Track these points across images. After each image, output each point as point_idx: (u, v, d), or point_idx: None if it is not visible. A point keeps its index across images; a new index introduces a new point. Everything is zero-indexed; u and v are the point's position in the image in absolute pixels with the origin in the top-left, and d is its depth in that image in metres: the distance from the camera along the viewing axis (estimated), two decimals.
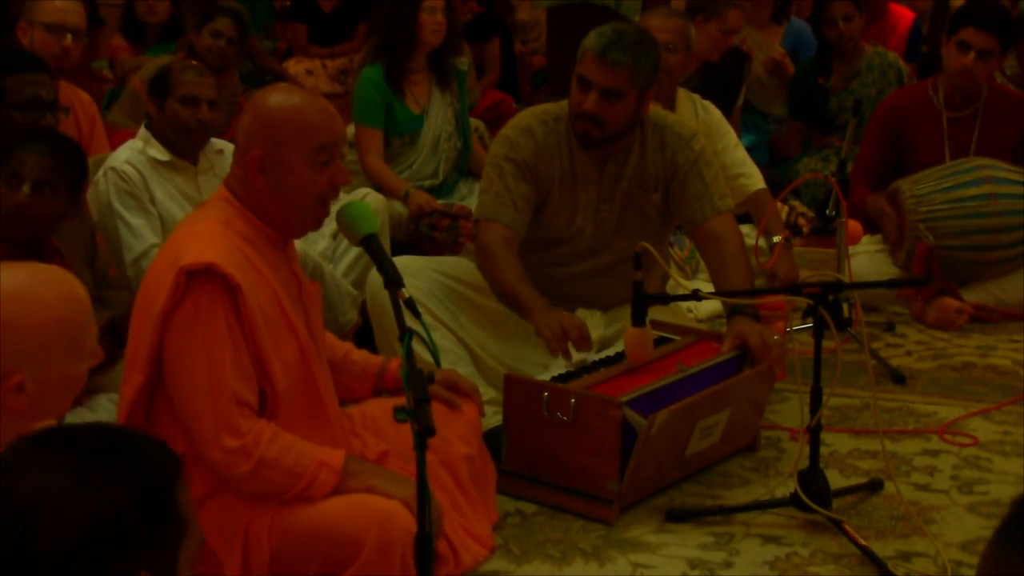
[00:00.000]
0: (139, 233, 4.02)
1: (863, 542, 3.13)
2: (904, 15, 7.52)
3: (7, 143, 3.35)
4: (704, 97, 4.99)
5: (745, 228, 4.04)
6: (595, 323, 3.88)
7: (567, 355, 3.53)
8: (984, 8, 4.97)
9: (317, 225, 2.96)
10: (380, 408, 3.18)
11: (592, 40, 3.69)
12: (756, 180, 4.74)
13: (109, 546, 1.43)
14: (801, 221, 5.90)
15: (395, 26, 5.15)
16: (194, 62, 4.44)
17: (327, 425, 2.94)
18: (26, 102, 3.58)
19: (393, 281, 2.71)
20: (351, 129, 5.41)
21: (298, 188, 2.83)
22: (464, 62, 5.46)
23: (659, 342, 3.64)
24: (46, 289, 2.12)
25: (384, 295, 3.47)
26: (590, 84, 3.68)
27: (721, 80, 5.89)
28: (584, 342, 3.55)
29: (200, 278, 2.72)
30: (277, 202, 2.84)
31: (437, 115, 5.23)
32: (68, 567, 1.42)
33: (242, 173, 2.85)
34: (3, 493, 1.45)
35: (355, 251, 4.36)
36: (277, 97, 2.85)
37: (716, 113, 4.86)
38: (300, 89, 3.00)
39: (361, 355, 3.30)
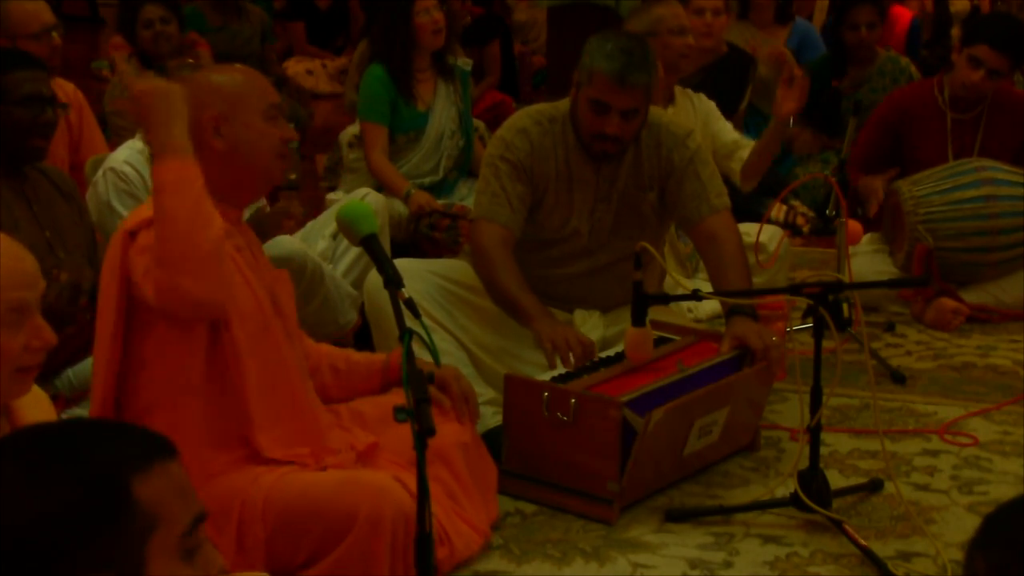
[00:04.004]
0: None
1: (863, 542, 3.13)
2: (903, 14, 7.52)
3: None
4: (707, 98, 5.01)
5: (744, 227, 4.03)
6: (594, 323, 3.88)
7: (566, 364, 3.52)
8: (1002, 26, 4.94)
9: (281, 178, 3.06)
10: (371, 404, 3.18)
11: (603, 63, 3.65)
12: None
13: (53, 546, 1.39)
14: (800, 221, 5.90)
15: (392, 34, 5.14)
16: (190, 60, 4.44)
17: (295, 408, 2.96)
18: (27, 98, 3.59)
19: (393, 281, 2.71)
20: (353, 128, 5.42)
21: (256, 143, 2.91)
22: (467, 62, 5.46)
23: (659, 342, 3.64)
24: None
25: (382, 296, 3.48)
26: (608, 108, 3.67)
27: (724, 82, 5.88)
28: (586, 359, 3.54)
29: (141, 233, 2.75)
30: (236, 162, 2.89)
31: (442, 113, 5.24)
32: (12, 568, 1.39)
33: (194, 145, 2.83)
34: None
35: (355, 251, 4.36)
36: (211, 71, 3.03)
37: (708, 101, 4.90)
38: (227, 64, 3.14)
39: (362, 356, 3.33)
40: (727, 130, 4.81)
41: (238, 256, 2.89)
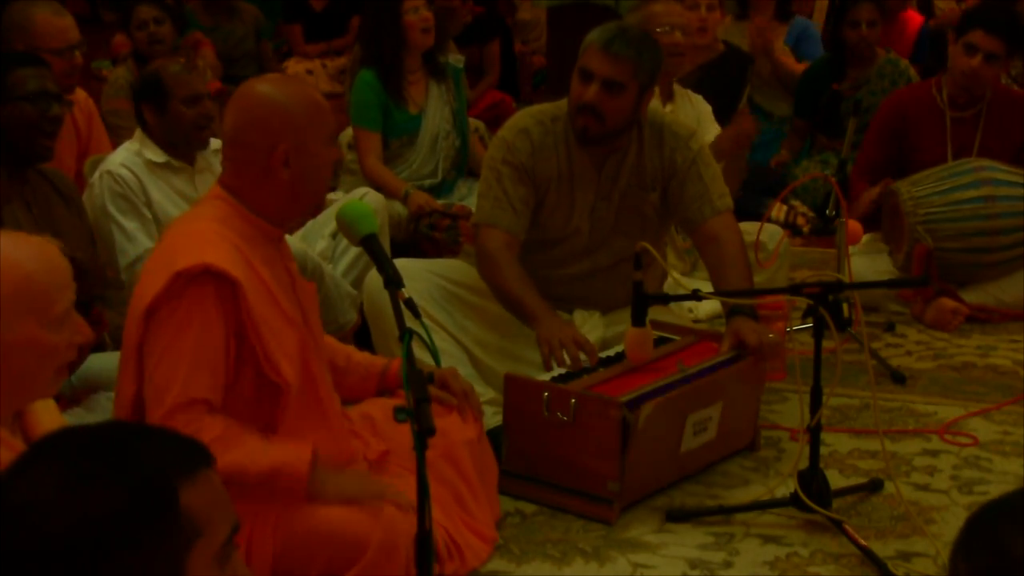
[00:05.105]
0: (133, 237, 4.00)
1: (863, 542, 3.13)
2: (914, 18, 7.53)
3: None
4: (705, 98, 5.01)
5: (744, 226, 4.03)
6: (594, 324, 3.89)
7: (562, 366, 3.52)
8: (994, 11, 4.97)
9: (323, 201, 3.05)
10: (380, 408, 3.17)
11: (595, 34, 3.71)
12: None
13: (96, 551, 1.39)
14: (801, 221, 5.90)
15: (381, 35, 5.12)
16: (182, 59, 4.42)
17: (325, 421, 2.93)
18: (35, 94, 3.59)
19: (393, 281, 2.70)
20: (349, 131, 5.41)
21: (318, 173, 2.88)
22: (460, 60, 5.44)
23: (659, 342, 3.64)
24: (15, 248, 2.12)
25: (381, 297, 3.48)
26: (592, 76, 3.67)
27: (723, 81, 5.87)
28: (588, 359, 3.53)
29: (195, 280, 2.71)
30: (298, 190, 2.85)
31: (435, 114, 5.22)
32: (55, 570, 1.38)
33: (252, 170, 2.83)
34: (1, 497, 1.42)
35: (355, 251, 4.36)
36: (274, 88, 2.86)
37: (706, 104, 4.93)
38: (286, 77, 3.03)
39: (364, 356, 3.31)
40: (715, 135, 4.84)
41: (275, 285, 2.85)
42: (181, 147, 4.08)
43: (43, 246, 2.18)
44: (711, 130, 4.83)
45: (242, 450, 2.72)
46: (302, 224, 4.49)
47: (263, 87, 2.87)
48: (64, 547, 1.38)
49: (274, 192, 2.84)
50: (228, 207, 2.85)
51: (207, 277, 2.71)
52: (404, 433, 2.56)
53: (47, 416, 2.38)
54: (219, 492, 1.50)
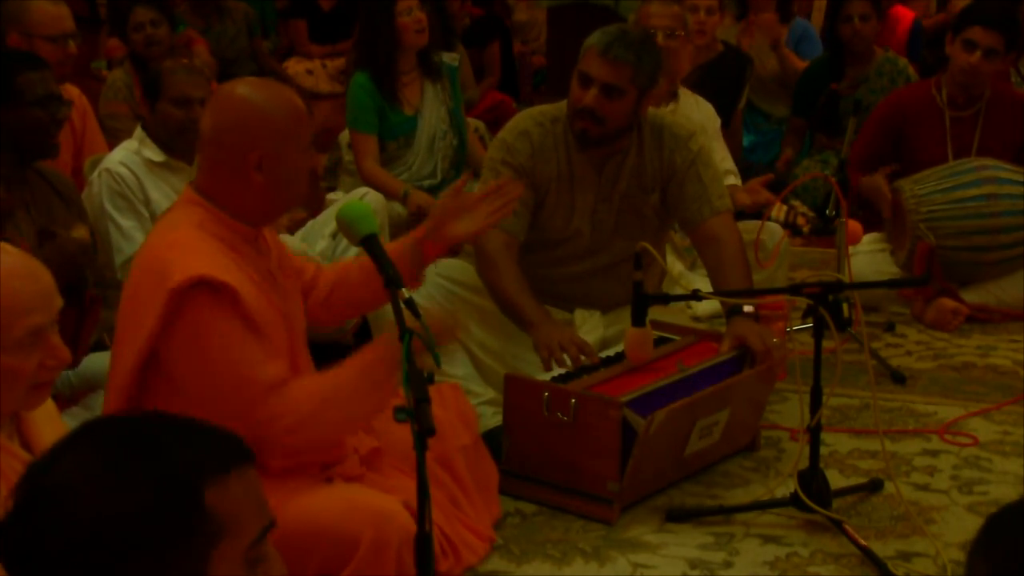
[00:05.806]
0: (129, 235, 4.01)
1: (863, 542, 3.13)
2: (904, 15, 7.53)
3: None
4: (704, 99, 5.00)
5: (744, 225, 4.03)
6: (594, 323, 3.88)
7: (562, 366, 3.52)
8: (991, 7, 4.97)
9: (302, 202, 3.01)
10: None
11: (595, 38, 3.70)
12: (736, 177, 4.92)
13: (114, 544, 1.39)
14: (801, 221, 5.90)
15: (375, 37, 5.10)
16: (184, 60, 4.41)
17: None
18: (43, 98, 3.59)
19: (393, 281, 2.70)
20: (347, 134, 5.41)
21: (293, 179, 2.84)
22: (455, 58, 5.43)
23: (659, 342, 3.64)
24: None
25: None
26: (591, 80, 3.67)
27: (723, 81, 5.88)
28: (587, 359, 3.53)
29: (192, 292, 2.68)
30: (270, 193, 2.83)
31: (431, 115, 5.21)
32: (70, 562, 1.39)
33: (226, 173, 2.81)
34: (35, 479, 1.43)
35: (355, 251, 4.34)
36: (254, 92, 2.83)
37: (716, 117, 4.93)
38: (267, 81, 2.98)
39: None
40: (722, 158, 4.81)
41: (264, 284, 2.83)
42: (175, 147, 4.09)
43: (22, 264, 2.08)
44: (715, 147, 4.79)
45: (330, 378, 2.77)
46: (302, 224, 4.49)
47: (243, 90, 2.84)
48: (82, 538, 1.39)
49: (247, 195, 2.81)
50: (203, 211, 2.82)
51: (204, 287, 2.68)
52: (398, 432, 2.56)
53: (45, 417, 2.37)
54: (252, 490, 1.49)
